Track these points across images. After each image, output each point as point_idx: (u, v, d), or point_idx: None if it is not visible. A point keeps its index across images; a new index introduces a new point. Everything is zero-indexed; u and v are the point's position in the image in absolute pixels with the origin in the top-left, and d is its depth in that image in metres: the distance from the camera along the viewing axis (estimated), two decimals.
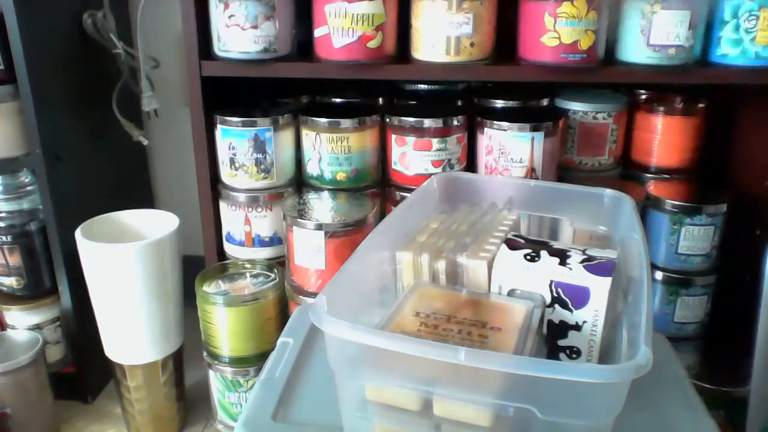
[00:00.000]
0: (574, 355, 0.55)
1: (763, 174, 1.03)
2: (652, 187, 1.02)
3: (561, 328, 0.55)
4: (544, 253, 0.56)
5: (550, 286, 0.54)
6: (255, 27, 0.92)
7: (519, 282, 0.56)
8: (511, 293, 0.56)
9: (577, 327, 0.54)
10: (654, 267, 1.02)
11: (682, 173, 1.07)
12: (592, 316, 0.53)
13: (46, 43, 1.04)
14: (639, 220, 0.64)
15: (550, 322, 0.55)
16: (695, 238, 0.98)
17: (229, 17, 0.91)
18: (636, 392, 0.43)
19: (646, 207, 1.00)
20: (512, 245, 0.57)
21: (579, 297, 0.53)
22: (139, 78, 1.13)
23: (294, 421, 0.57)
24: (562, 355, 0.55)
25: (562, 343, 0.55)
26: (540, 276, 0.55)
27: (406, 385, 0.46)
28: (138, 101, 1.16)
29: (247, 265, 1.05)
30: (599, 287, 0.53)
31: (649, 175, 1.07)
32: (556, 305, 0.54)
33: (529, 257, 0.56)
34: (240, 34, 0.92)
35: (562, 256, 0.55)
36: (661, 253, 1.00)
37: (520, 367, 0.42)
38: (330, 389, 0.51)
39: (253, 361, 1.00)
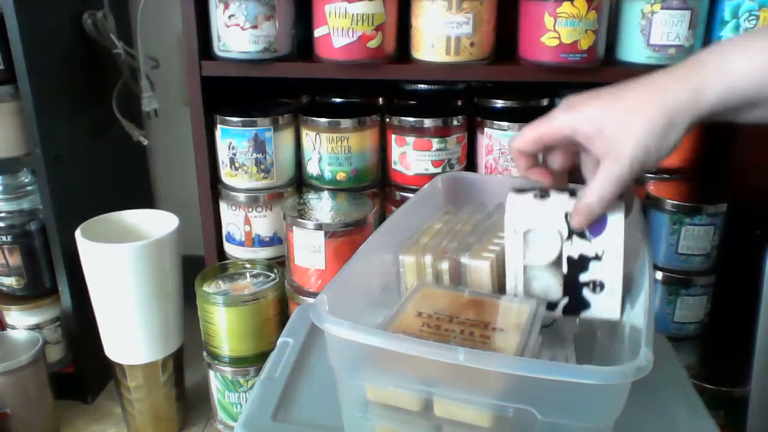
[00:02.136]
0: (598, 289, 0.54)
1: (763, 174, 1.03)
2: (652, 187, 1.02)
3: (581, 262, 0.54)
4: (552, 192, 0.56)
5: (566, 217, 0.53)
6: (255, 27, 0.92)
7: (533, 220, 0.55)
8: (526, 235, 0.55)
9: (597, 257, 0.53)
10: (654, 267, 1.01)
11: (682, 173, 1.07)
12: (611, 242, 0.53)
13: (46, 43, 1.04)
14: (642, 220, 0.64)
15: (569, 258, 0.54)
16: (695, 238, 0.98)
17: (229, 17, 0.91)
18: (636, 392, 0.43)
19: (646, 207, 1.00)
20: (518, 190, 0.57)
21: (596, 224, 0.53)
22: (139, 78, 1.13)
23: (294, 421, 0.57)
24: (585, 292, 0.54)
25: (584, 278, 0.54)
26: (553, 210, 0.54)
27: (407, 385, 0.46)
28: (138, 101, 1.16)
29: (247, 265, 1.05)
30: (615, 211, 0.52)
31: (649, 175, 1.07)
32: (574, 237, 0.53)
33: (538, 196, 0.55)
34: (240, 34, 0.92)
35: (571, 192, 0.55)
36: (661, 253, 1.00)
37: (519, 369, 0.42)
38: (330, 389, 0.51)
39: (253, 361, 1.00)
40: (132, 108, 1.20)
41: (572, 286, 0.55)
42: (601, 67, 0.92)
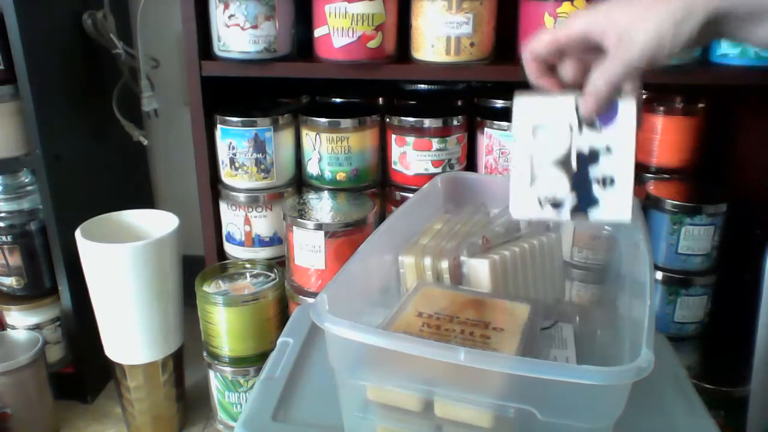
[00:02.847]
0: (608, 184, 0.53)
1: (762, 174, 1.03)
2: (652, 187, 1.02)
3: (591, 156, 0.53)
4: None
5: (575, 105, 0.52)
6: (255, 27, 0.92)
7: (542, 114, 0.53)
8: (535, 130, 0.54)
9: (608, 150, 0.52)
10: (654, 267, 1.01)
11: (682, 173, 1.07)
12: (622, 132, 0.52)
13: (46, 43, 1.04)
14: (644, 220, 0.64)
15: (579, 153, 0.53)
16: (695, 238, 0.98)
17: (229, 17, 0.91)
18: (636, 392, 0.43)
19: (646, 207, 1.00)
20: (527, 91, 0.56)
21: (606, 113, 0.51)
22: (139, 78, 1.13)
23: (294, 421, 0.57)
24: (594, 188, 0.53)
25: (594, 172, 0.53)
26: (563, 102, 0.53)
27: (407, 385, 0.46)
28: (138, 101, 1.16)
29: (247, 265, 1.05)
30: (626, 100, 0.51)
31: (649, 175, 1.07)
32: (584, 129, 0.52)
33: (547, 94, 0.55)
34: (240, 34, 0.92)
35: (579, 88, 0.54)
36: (661, 253, 1.00)
37: (519, 369, 0.42)
38: (330, 389, 0.51)
39: (253, 361, 1.00)
40: (132, 108, 1.20)
41: (581, 183, 0.54)
42: None
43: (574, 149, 0.53)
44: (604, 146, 0.52)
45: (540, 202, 0.55)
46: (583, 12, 0.52)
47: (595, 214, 0.54)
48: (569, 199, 0.54)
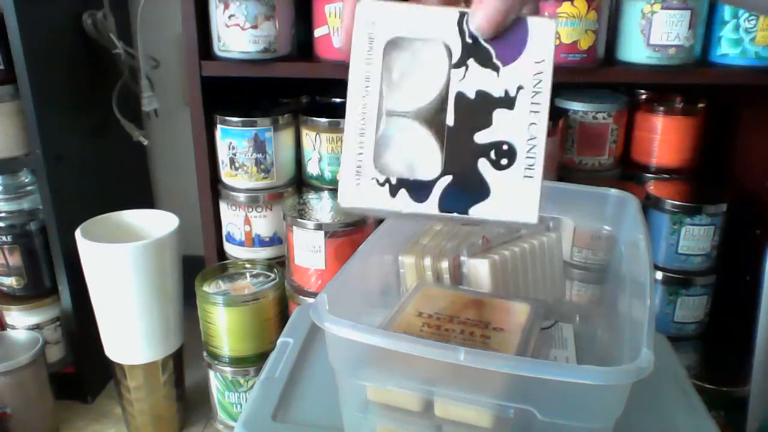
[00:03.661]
0: (504, 160, 0.32)
1: (763, 174, 1.03)
2: (652, 187, 1.02)
3: (480, 107, 0.32)
4: None
5: (460, 23, 0.31)
6: (255, 27, 0.92)
7: (403, 24, 0.32)
8: (390, 51, 0.33)
9: (507, 101, 0.32)
10: (654, 267, 1.01)
11: (682, 173, 1.07)
12: (532, 74, 0.33)
13: (46, 43, 1.04)
14: (644, 220, 0.64)
15: (459, 98, 0.32)
16: (695, 238, 0.98)
17: (229, 17, 0.91)
18: (636, 392, 0.43)
19: (646, 207, 1.00)
20: None
21: (510, 40, 0.32)
22: (139, 78, 1.13)
23: (294, 421, 0.57)
24: (482, 166, 0.32)
25: (482, 138, 0.32)
26: (440, 14, 0.32)
27: (408, 385, 0.46)
28: (138, 101, 1.16)
29: (247, 265, 1.05)
30: (542, 23, 0.33)
31: (649, 175, 1.07)
32: (471, 62, 0.32)
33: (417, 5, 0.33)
34: (240, 34, 0.92)
35: None
36: (661, 253, 1.00)
37: (519, 369, 0.42)
38: (330, 389, 0.51)
39: (253, 361, 1.00)
40: (132, 108, 1.20)
41: (460, 154, 0.33)
42: (601, 67, 0.92)
43: (453, 91, 0.32)
44: (501, 92, 0.32)
45: (388, 186, 0.33)
46: None
47: (481, 211, 0.33)
48: (439, 182, 0.33)
